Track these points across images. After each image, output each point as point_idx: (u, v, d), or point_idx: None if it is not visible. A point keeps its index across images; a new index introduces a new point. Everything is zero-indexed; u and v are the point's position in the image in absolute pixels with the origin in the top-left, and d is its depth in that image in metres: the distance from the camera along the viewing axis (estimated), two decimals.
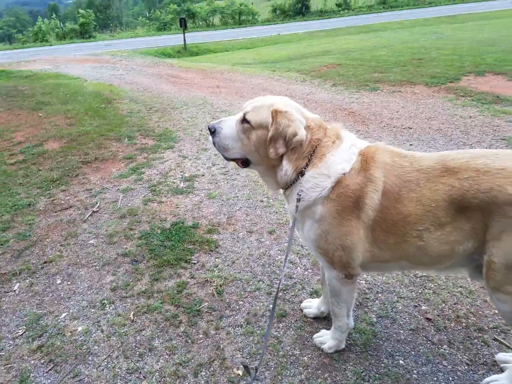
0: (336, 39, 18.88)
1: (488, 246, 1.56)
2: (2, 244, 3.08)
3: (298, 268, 2.72)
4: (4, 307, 2.45)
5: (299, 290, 2.52)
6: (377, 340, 2.12)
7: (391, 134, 5.35)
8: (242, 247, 2.99)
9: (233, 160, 1.90)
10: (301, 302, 2.40)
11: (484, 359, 1.98)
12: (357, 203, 1.66)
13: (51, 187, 4.06)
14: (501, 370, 1.87)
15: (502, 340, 2.06)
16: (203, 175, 4.32)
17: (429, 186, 1.59)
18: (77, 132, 5.88)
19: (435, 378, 1.90)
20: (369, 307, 2.36)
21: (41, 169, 4.53)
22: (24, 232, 3.24)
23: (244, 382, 1.90)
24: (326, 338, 2.08)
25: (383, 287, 2.51)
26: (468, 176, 1.54)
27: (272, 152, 1.69)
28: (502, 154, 1.58)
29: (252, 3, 33.51)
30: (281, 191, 1.89)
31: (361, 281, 2.57)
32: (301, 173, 1.73)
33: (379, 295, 2.45)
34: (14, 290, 2.59)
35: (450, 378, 1.89)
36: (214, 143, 1.85)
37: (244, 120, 1.76)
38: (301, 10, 33.24)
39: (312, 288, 2.53)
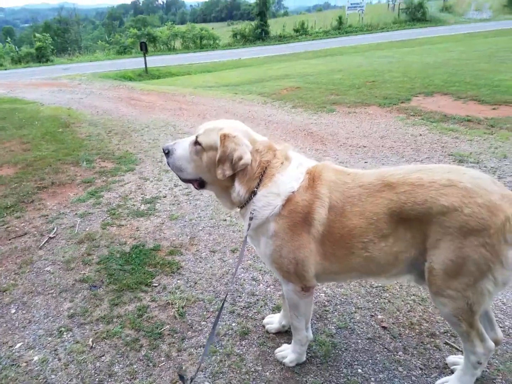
0: (295, 63, 19.59)
1: (428, 254, 1.68)
2: None
3: (261, 285, 2.77)
4: None
5: (261, 306, 2.56)
6: (337, 351, 2.19)
7: (347, 153, 5.60)
8: (204, 267, 3.00)
9: (189, 181, 1.96)
10: (263, 318, 2.44)
11: (437, 363, 2.09)
12: (307, 218, 1.76)
13: (5, 214, 3.90)
14: (452, 372, 1.98)
15: (452, 344, 2.19)
16: (165, 197, 4.31)
17: (371, 201, 1.71)
18: (33, 157, 5.70)
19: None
20: (329, 319, 2.43)
21: None
22: None
23: None
24: (287, 352, 2.12)
25: (342, 299, 2.60)
26: (405, 190, 1.67)
27: (220, 173, 1.78)
28: (434, 168, 1.73)
29: (212, 28, 34.29)
30: (237, 209, 1.95)
31: (321, 294, 2.65)
32: (254, 193, 1.81)
33: (338, 306, 2.53)
34: None
35: (405, 383, 1.98)
36: (168, 164, 1.92)
37: (196, 142, 1.84)
38: (261, 35, 34.32)
39: (274, 304, 2.57)
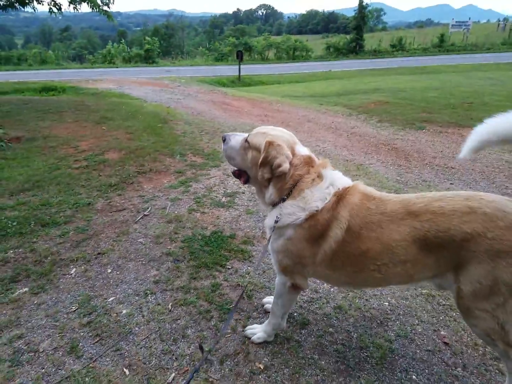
0: (387, 78, 19.10)
1: (457, 276, 1.73)
2: (63, 235, 3.50)
3: (325, 284, 2.89)
4: (61, 287, 2.81)
5: (323, 303, 2.68)
6: (393, 356, 2.23)
7: (433, 172, 5.42)
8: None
9: (238, 175, 2.22)
10: (324, 314, 2.56)
11: None
12: (322, 235, 1.92)
13: (109, 191, 4.52)
14: None
15: None
16: (243, 193, 4.62)
17: (392, 227, 1.79)
18: (135, 146, 6.44)
19: None
20: (389, 326, 2.47)
21: (101, 175, 5.05)
22: (83, 227, 3.66)
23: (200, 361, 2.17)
24: (257, 331, 2.33)
25: (405, 310, 2.61)
26: (428, 218, 1.74)
27: (260, 175, 2.01)
28: (454, 196, 1.77)
29: (307, 40, 34.77)
30: (269, 208, 2.14)
31: (384, 303, 2.69)
32: (283, 200, 1.99)
33: (400, 317, 2.55)
34: (71, 274, 2.96)
35: None
36: (223, 150, 2.20)
37: (246, 140, 2.10)
38: (354, 49, 33.94)
39: (336, 304, 2.68)
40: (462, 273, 1.72)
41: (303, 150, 2.08)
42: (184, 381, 2.02)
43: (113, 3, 11.78)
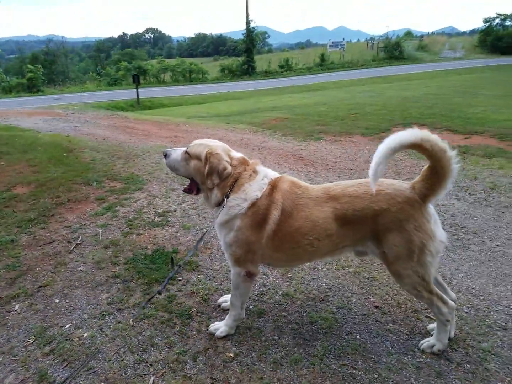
0: (281, 97, 20.68)
1: (379, 243, 2.25)
2: None
3: (270, 278, 3.23)
4: (9, 324, 2.67)
5: (272, 294, 3.02)
6: (338, 324, 2.65)
7: (336, 174, 6.21)
8: (220, 265, 3.45)
9: (189, 189, 2.55)
10: (275, 303, 2.90)
11: (419, 330, 2.58)
12: (264, 219, 2.31)
13: (30, 226, 4.28)
14: (430, 335, 2.47)
15: (431, 317, 2.68)
16: (175, 211, 4.76)
17: (317, 208, 2.28)
18: (44, 178, 6.08)
19: (384, 346, 2.45)
20: (330, 301, 2.90)
21: (15, 211, 4.72)
22: (13, 264, 3.45)
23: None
24: (219, 326, 2.60)
25: (340, 287, 3.08)
26: (346, 201, 2.25)
27: (209, 183, 2.36)
28: (363, 182, 2.31)
29: (201, 63, 35.71)
30: (215, 209, 2.48)
31: (322, 284, 3.13)
32: (227, 197, 2.36)
33: (337, 292, 3.01)
34: (16, 310, 2.81)
35: (395, 344, 2.46)
36: (166, 164, 2.52)
37: (186, 152, 2.44)
38: (247, 70, 35.89)
39: (283, 292, 3.03)
40: (383, 241, 2.22)
41: (237, 154, 2.49)
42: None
43: None
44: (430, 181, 2.16)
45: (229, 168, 2.34)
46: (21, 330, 2.61)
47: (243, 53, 37.53)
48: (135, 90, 21.17)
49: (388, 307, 2.82)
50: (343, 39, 42.36)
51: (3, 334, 2.58)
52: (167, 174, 6.33)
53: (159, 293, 2.57)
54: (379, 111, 11.49)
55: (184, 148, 2.48)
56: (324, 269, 3.34)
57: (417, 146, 2.11)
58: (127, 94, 25.21)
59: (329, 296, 2.97)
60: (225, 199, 2.34)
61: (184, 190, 2.59)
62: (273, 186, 2.36)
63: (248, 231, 2.32)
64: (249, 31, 37.98)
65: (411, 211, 2.15)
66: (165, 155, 2.50)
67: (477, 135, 8.12)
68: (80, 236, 4.03)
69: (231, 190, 2.35)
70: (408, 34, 52.84)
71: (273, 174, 2.47)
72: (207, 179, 2.34)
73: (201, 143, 2.45)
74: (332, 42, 41.12)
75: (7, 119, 14.35)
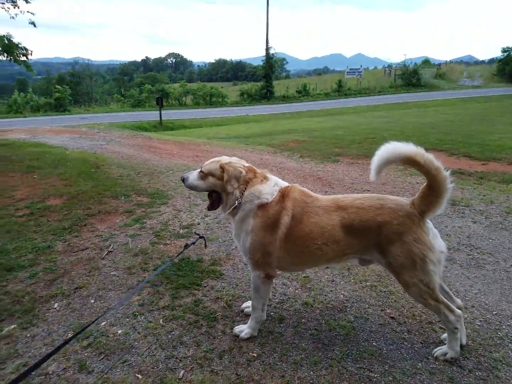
0: (298, 121, 21.12)
1: (384, 253, 2.43)
2: (32, 276, 3.54)
3: (290, 288, 3.41)
4: (49, 319, 2.91)
5: (292, 302, 3.19)
6: (356, 331, 2.80)
7: None
8: (242, 274, 3.65)
9: (210, 205, 2.84)
10: (295, 311, 3.06)
11: (433, 340, 2.70)
12: (275, 223, 2.54)
13: (64, 234, 4.58)
14: (444, 344, 2.59)
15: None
16: (199, 224, 5.01)
17: (326, 216, 2.51)
18: (75, 191, 6.44)
19: (399, 352, 2.58)
20: (347, 311, 3.05)
21: (50, 220, 5.04)
22: (50, 267, 3.73)
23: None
24: (243, 328, 2.78)
25: (357, 299, 3.23)
26: (353, 211, 2.47)
27: (230, 188, 2.62)
28: (370, 197, 2.54)
29: (222, 87, 36.81)
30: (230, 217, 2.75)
31: (340, 296, 3.28)
32: (242, 195, 2.62)
33: (354, 304, 3.16)
34: (55, 308, 3.06)
35: (410, 352, 2.59)
36: (186, 186, 2.81)
37: (201, 171, 2.73)
38: (266, 95, 36.76)
39: (302, 301, 3.20)
40: (386, 251, 2.42)
41: (245, 163, 2.77)
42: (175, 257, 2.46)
43: (31, 54, 11.65)
44: (428, 198, 2.37)
45: (244, 171, 2.62)
46: (60, 326, 2.84)
47: (262, 78, 38.59)
48: (157, 111, 21.95)
49: (404, 318, 2.95)
50: (361, 66, 43.08)
51: (44, 328, 2.82)
52: (189, 191, 6.62)
53: (187, 246, 2.79)
54: (397, 136, 11.56)
55: (197, 170, 2.79)
56: (342, 282, 3.50)
57: (412, 161, 2.32)
58: (150, 115, 26.12)
59: (347, 306, 3.12)
60: (241, 197, 2.60)
61: (208, 208, 2.87)
62: (284, 194, 2.60)
63: (261, 233, 2.55)
64: (269, 57, 39.14)
65: (410, 224, 2.36)
66: (183, 180, 2.80)
67: (494, 161, 8.21)
68: (111, 244, 4.30)
69: (245, 189, 2.61)
70: (426, 62, 53.28)
71: (283, 183, 2.73)
72: (227, 185, 2.61)
73: (212, 161, 2.77)
74: (350, 69, 41.89)
75: (35, 136, 15.02)
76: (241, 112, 28.97)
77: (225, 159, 2.75)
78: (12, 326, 2.80)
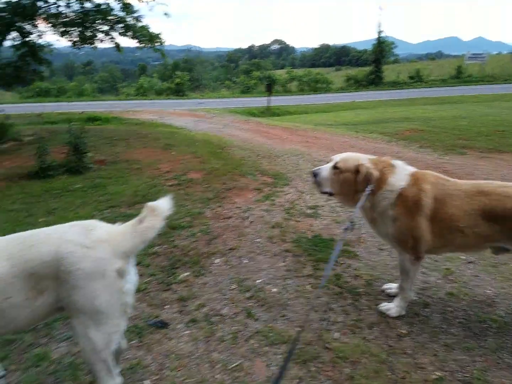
0: (411, 108, 19.82)
1: None
2: (192, 235, 4.15)
3: (431, 277, 3.41)
4: (214, 272, 3.43)
5: (435, 291, 3.21)
6: (509, 327, 2.74)
7: None
8: (377, 258, 3.76)
9: (324, 193, 2.92)
10: (439, 298, 3.09)
11: None
12: (416, 205, 2.57)
13: (210, 203, 5.18)
14: None
15: None
16: (323, 206, 5.20)
17: (467, 200, 2.50)
18: (209, 168, 7.11)
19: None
20: (497, 307, 2.98)
21: (195, 191, 5.73)
22: (205, 230, 4.30)
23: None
24: (390, 307, 2.86)
25: (507, 296, 3.12)
26: (496, 198, 2.44)
27: (365, 189, 2.65)
28: None
29: (327, 73, 36.24)
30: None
31: (487, 290, 3.20)
32: (373, 193, 2.68)
33: (505, 300, 3.06)
34: (217, 263, 3.58)
35: None
36: (315, 181, 2.88)
37: (335, 167, 2.79)
38: (374, 80, 35.15)
39: (447, 291, 3.20)
40: None
41: (371, 157, 2.85)
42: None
43: (164, 42, 12.90)
44: None
45: (376, 174, 2.69)
46: (224, 278, 3.32)
47: (371, 63, 36.92)
48: (265, 97, 22.59)
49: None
50: (483, 51, 38.41)
51: (211, 278, 3.33)
52: (307, 174, 6.84)
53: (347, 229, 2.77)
54: None
55: (329, 165, 2.84)
56: (487, 278, 3.39)
57: None
58: (257, 101, 26.97)
59: (496, 302, 3.04)
60: (373, 196, 2.70)
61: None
62: (417, 177, 2.66)
63: (404, 219, 2.62)
64: (380, 41, 37.20)
65: None
66: (315, 175, 2.86)
67: None
68: (249, 216, 4.75)
69: (377, 187, 2.68)
70: None
71: (410, 168, 2.80)
72: (359, 184, 2.70)
73: (349, 157, 2.82)
74: (472, 54, 37.67)
75: (162, 117, 16.64)
76: (347, 99, 28.23)
77: (361, 157, 2.82)
78: (186, 274, 3.36)
